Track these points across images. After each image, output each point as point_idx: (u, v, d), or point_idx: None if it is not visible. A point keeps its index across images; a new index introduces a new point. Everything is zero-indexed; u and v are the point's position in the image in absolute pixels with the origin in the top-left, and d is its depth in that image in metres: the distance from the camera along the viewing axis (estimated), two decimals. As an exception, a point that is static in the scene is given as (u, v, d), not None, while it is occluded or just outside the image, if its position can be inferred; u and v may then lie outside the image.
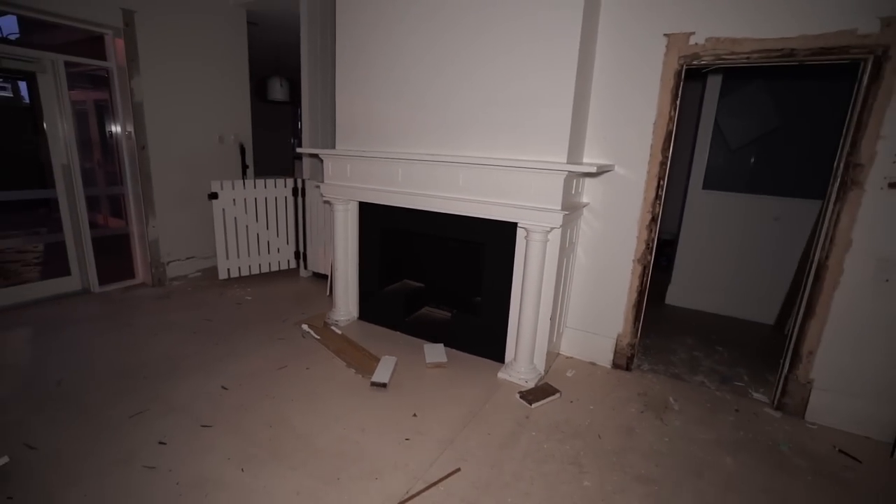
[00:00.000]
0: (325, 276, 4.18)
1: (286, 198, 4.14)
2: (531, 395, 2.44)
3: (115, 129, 3.79)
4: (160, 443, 1.96)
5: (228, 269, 3.98)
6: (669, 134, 2.43)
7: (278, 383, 2.47)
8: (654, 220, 2.57)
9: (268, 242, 4.14)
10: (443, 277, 3.38)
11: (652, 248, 2.62)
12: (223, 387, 2.42)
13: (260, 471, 1.82)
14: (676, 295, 3.95)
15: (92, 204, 5.57)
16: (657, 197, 2.53)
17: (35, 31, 6.51)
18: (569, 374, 2.74)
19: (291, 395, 2.36)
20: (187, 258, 4.15)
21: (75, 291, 3.66)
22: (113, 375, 2.49)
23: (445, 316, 3.25)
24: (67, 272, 3.63)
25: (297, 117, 8.93)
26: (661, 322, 3.53)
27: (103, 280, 3.77)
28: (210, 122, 4.15)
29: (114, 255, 3.97)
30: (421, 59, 2.67)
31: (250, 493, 1.71)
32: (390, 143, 2.89)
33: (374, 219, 3.14)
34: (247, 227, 3.99)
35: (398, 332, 3.18)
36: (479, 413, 2.29)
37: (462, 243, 3.03)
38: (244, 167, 4.48)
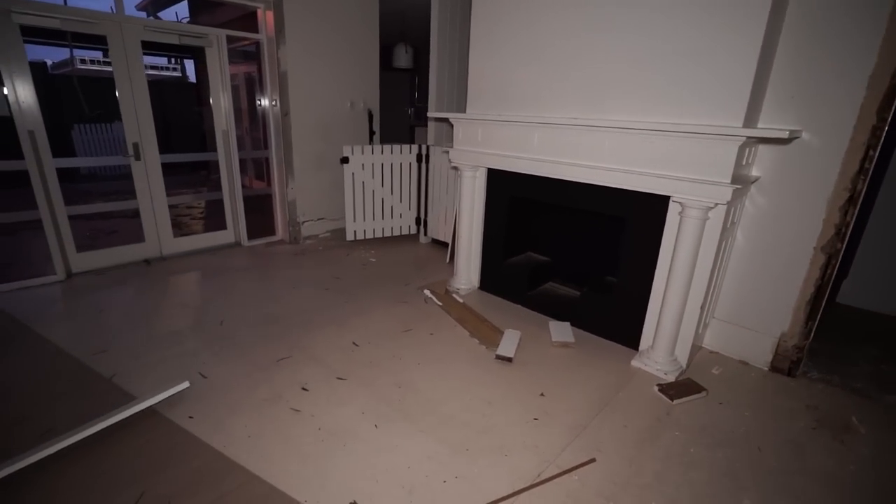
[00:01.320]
0: (443, 244, 4.21)
1: (410, 164, 4.19)
2: (672, 390, 2.19)
3: (263, 98, 4.11)
4: (303, 388, 2.12)
5: (355, 232, 4.19)
6: (893, 90, 1.91)
7: (404, 345, 2.53)
8: (852, 200, 2.08)
9: (391, 207, 4.26)
10: (570, 252, 3.18)
11: (844, 234, 2.15)
12: (354, 343, 2.54)
13: (391, 429, 1.87)
14: (853, 293, 3.28)
15: (259, 172, 6.21)
16: (861, 171, 2.04)
17: (201, 13, 7.34)
18: (715, 371, 2.42)
19: (417, 358, 2.40)
20: (318, 219, 4.45)
21: (229, 244, 4.14)
22: (261, 320, 2.75)
23: (571, 293, 3.06)
24: (224, 227, 4.10)
25: (414, 86, 9.02)
26: (832, 324, 2.96)
27: (251, 235, 4.20)
28: (342, 89, 4.31)
29: (257, 214, 4.39)
30: (564, 13, 2.41)
31: (384, 450, 1.76)
32: (526, 108, 2.71)
33: (503, 187, 3.02)
34: (373, 191, 4.13)
35: (519, 306, 3.08)
36: (611, 401, 2.11)
37: (597, 217, 2.79)
38: (371, 133, 4.62)
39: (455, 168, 3.42)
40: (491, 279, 3.27)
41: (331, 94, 4.24)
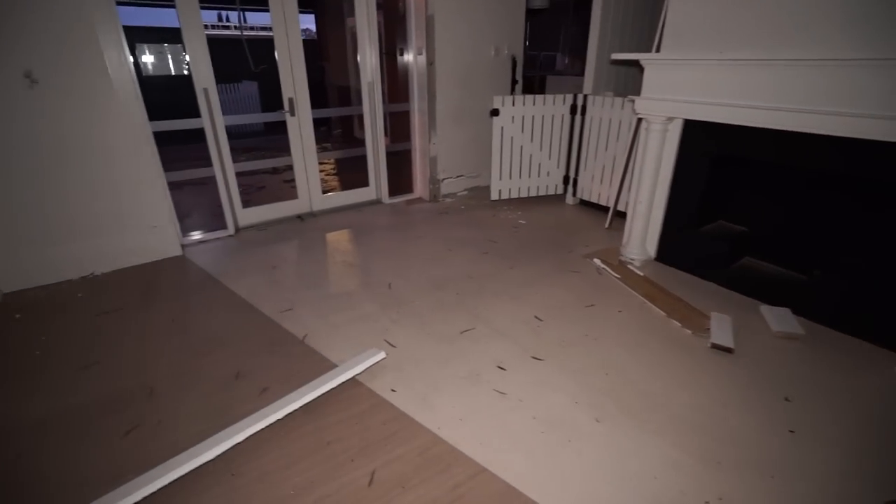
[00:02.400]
0: (594, 206, 3.80)
1: (563, 116, 3.76)
2: (973, 410, 1.68)
3: (405, 48, 3.87)
4: (499, 367, 1.94)
5: (500, 191, 3.92)
6: None
7: (592, 323, 2.26)
8: None
9: (539, 165, 3.90)
10: (776, 223, 2.63)
11: None
12: (537, 317, 2.31)
13: (615, 426, 1.63)
14: None
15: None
16: None
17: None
18: None
19: (614, 340, 2.12)
20: (457, 176, 4.23)
21: (371, 201, 4.09)
22: (428, 285, 2.63)
23: (784, 273, 2.53)
24: (366, 183, 4.05)
25: (546, 28, 8.10)
26: None
27: (390, 193, 4.11)
28: (486, 34, 3.92)
29: (392, 171, 4.27)
30: None
31: (616, 452, 1.52)
32: (754, 44, 2.15)
33: (704, 142, 2.52)
34: (521, 147, 3.79)
35: (711, 283, 2.64)
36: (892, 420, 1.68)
37: (831, 181, 2.21)
38: (514, 82, 4.22)
39: (642, 119, 2.95)
40: (674, 250, 2.84)
41: (474, 40, 3.88)
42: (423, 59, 3.73)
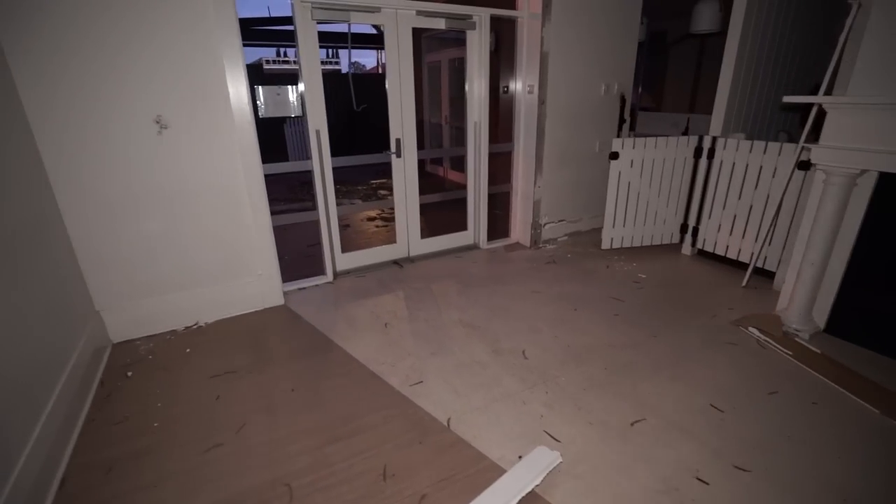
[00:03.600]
0: (717, 258, 3.39)
1: (685, 160, 3.42)
2: None
3: (514, 83, 3.67)
4: (699, 479, 1.58)
5: (612, 239, 3.59)
6: None
7: (786, 418, 1.86)
8: None
9: (655, 212, 3.55)
10: None
11: None
12: (714, 406, 1.94)
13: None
14: None
15: (456, 163, 5.93)
16: None
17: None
18: None
19: (824, 445, 1.71)
20: (559, 221, 3.94)
21: (468, 245, 3.85)
22: (566, 356, 2.30)
23: None
24: (464, 227, 3.81)
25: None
26: None
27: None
28: (597, 71, 3.68)
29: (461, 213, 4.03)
30: None
31: None
32: None
33: (910, 200, 2.12)
34: (638, 192, 3.47)
35: (913, 368, 2.18)
36: None
37: None
38: (621, 121, 3.94)
39: (822, 171, 2.57)
40: (856, 322, 2.40)
41: (585, 78, 3.64)
42: (532, 97, 3.51)
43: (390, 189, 3.46)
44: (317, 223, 3.14)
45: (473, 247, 3.84)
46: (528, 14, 3.38)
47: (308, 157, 2.94)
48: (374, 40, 8.92)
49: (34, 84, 2.02)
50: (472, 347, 2.40)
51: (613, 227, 3.54)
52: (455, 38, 5.94)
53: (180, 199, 2.46)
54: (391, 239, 3.59)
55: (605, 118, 3.88)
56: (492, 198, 4.01)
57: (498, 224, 4.06)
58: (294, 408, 1.97)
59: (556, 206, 3.87)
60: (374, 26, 5.24)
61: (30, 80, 2.01)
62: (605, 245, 3.60)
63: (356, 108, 3.44)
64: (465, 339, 2.48)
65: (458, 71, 6.06)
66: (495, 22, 3.38)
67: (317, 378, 2.17)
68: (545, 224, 3.84)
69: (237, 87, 2.44)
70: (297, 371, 2.23)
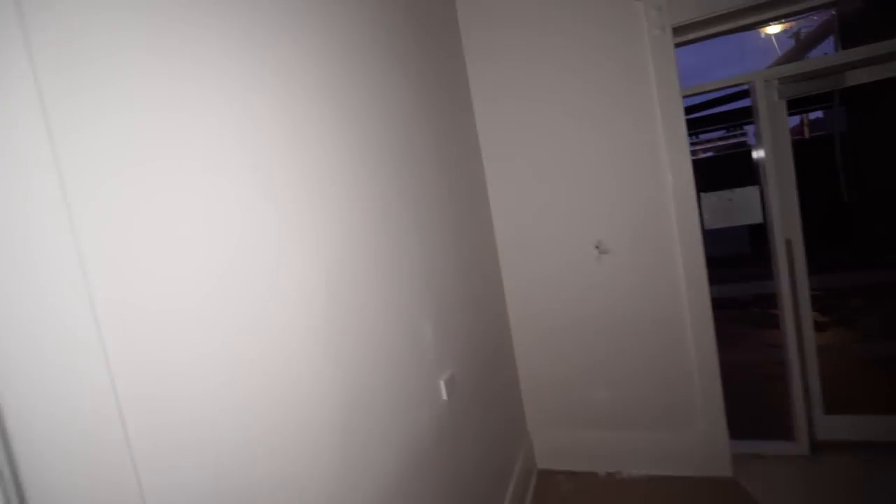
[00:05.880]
0: None
1: None
2: None
3: None
4: None
5: None
6: None
7: None
8: None
9: None
10: None
11: None
12: None
13: None
14: None
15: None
16: None
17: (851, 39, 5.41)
18: None
19: None
20: None
21: None
22: None
23: None
24: None
25: None
26: None
27: None
28: None
29: None
30: None
31: None
32: None
33: None
34: None
35: None
36: None
37: None
38: None
39: None
40: None
41: None
42: None
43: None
44: (780, 363, 2.23)
45: None
46: None
47: (764, 276, 2.17)
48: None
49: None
50: None
51: None
52: None
53: (615, 329, 2.21)
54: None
55: None
56: None
57: None
58: None
59: None
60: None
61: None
62: None
63: (845, 198, 2.40)
64: None
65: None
66: None
67: None
68: None
69: (685, 201, 2.05)
70: None
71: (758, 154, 2.16)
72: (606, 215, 2.15)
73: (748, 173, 2.53)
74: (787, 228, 2.13)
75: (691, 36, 2.03)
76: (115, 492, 0.52)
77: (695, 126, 9.44)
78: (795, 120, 11.14)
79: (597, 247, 2.17)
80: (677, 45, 1.99)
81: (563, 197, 2.19)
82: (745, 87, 2.23)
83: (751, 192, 2.16)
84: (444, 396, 1.43)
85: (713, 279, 2.10)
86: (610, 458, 2.29)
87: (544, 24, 2.09)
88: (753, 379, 2.99)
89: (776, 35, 7.87)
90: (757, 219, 2.19)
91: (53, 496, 0.47)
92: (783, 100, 2.12)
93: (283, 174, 0.88)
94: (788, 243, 2.14)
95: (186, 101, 0.69)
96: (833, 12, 6.58)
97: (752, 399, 2.72)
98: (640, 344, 2.18)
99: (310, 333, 0.89)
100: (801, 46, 7.77)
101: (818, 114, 10.26)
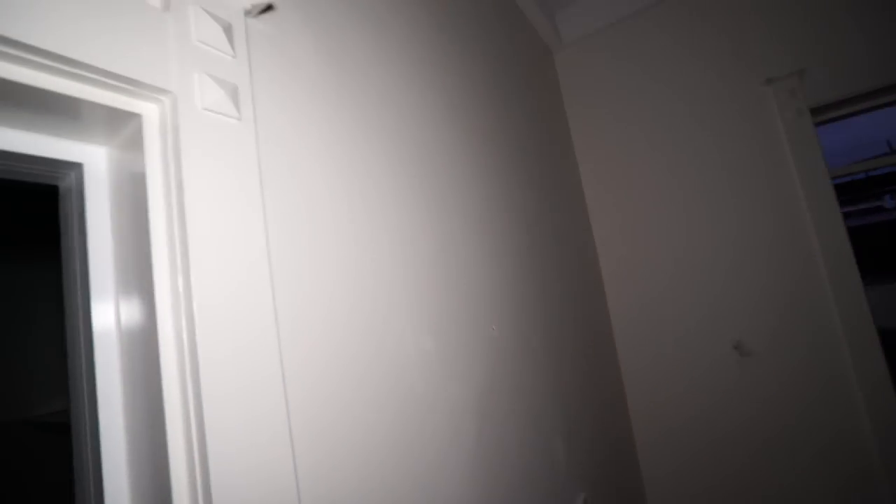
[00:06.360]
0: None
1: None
2: None
3: None
4: None
5: None
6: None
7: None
8: None
9: None
10: None
11: None
12: None
13: None
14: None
15: None
16: None
17: None
18: None
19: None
20: None
21: None
22: None
23: None
24: None
25: None
26: None
27: None
28: None
29: None
30: None
31: None
32: None
33: None
34: None
35: None
36: None
37: None
38: None
39: None
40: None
41: None
42: None
43: None
44: None
45: None
46: None
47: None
48: None
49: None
50: None
51: None
52: None
53: (775, 442, 1.85)
54: None
55: None
56: None
57: None
58: None
59: None
60: None
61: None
62: None
63: None
64: None
65: None
66: None
67: None
68: None
69: (846, 294, 1.75)
70: None
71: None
72: (749, 309, 1.90)
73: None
74: None
75: (832, 114, 1.86)
76: None
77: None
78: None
79: (736, 347, 1.90)
80: (817, 125, 1.83)
81: (694, 295, 2.01)
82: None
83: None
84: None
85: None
86: None
87: (657, 120, 2.07)
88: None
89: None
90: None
91: None
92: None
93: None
94: None
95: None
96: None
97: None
98: (809, 460, 1.78)
99: (462, 455, 0.85)
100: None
101: None
